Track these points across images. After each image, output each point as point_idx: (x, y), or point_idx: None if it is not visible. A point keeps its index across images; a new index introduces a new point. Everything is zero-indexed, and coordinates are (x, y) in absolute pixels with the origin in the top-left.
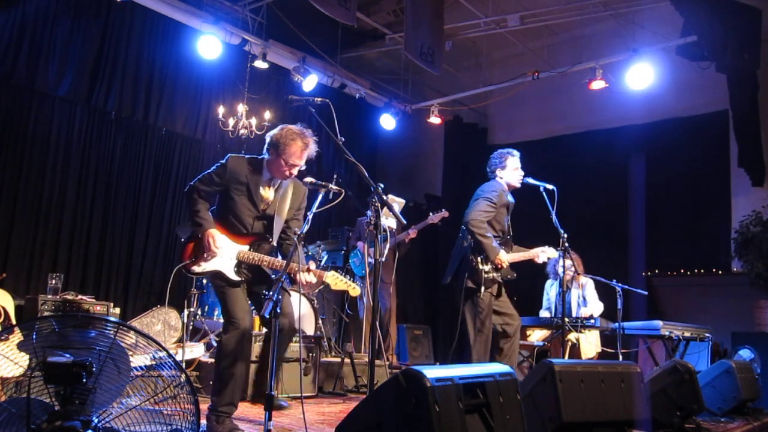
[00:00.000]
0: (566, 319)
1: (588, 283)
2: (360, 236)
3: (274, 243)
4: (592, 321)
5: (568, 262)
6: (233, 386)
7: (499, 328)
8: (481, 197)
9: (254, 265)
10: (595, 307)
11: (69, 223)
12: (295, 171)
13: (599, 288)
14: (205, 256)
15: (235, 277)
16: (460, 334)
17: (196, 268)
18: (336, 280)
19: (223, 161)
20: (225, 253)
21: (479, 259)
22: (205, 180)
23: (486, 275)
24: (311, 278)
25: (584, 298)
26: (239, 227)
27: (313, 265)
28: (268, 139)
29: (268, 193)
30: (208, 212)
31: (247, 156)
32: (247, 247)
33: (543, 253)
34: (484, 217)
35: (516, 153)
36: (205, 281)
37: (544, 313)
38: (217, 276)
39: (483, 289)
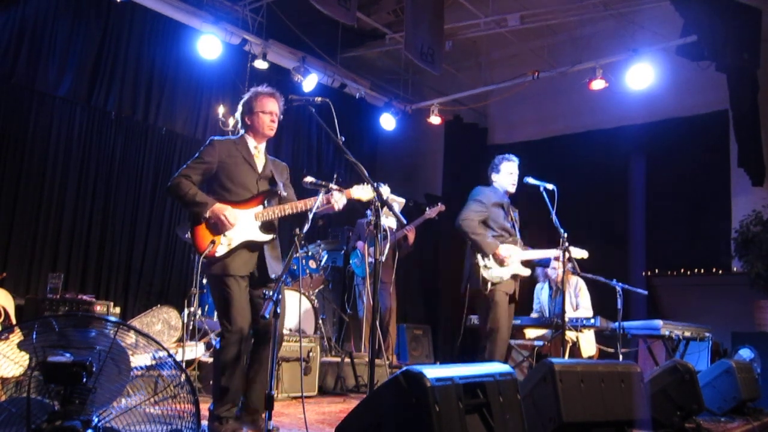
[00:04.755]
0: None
1: (580, 283)
2: (360, 237)
3: (284, 193)
4: (592, 321)
5: (569, 263)
6: (234, 392)
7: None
8: (469, 200)
9: (271, 224)
10: (584, 313)
11: (69, 223)
12: (276, 120)
13: (598, 288)
14: (223, 234)
15: (265, 237)
16: (470, 335)
17: (219, 250)
18: (362, 192)
19: (208, 144)
20: (242, 222)
21: (479, 256)
22: (193, 166)
23: (489, 271)
24: (342, 198)
25: (576, 299)
26: (244, 192)
27: (313, 265)
28: (239, 113)
29: (259, 158)
30: (204, 193)
31: (229, 137)
32: (261, 206)
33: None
34: (474, 216)
35: (514, 158)
36: (205, 281)
37: (534, 316)
38: (236, 258)
39: (489, 285)
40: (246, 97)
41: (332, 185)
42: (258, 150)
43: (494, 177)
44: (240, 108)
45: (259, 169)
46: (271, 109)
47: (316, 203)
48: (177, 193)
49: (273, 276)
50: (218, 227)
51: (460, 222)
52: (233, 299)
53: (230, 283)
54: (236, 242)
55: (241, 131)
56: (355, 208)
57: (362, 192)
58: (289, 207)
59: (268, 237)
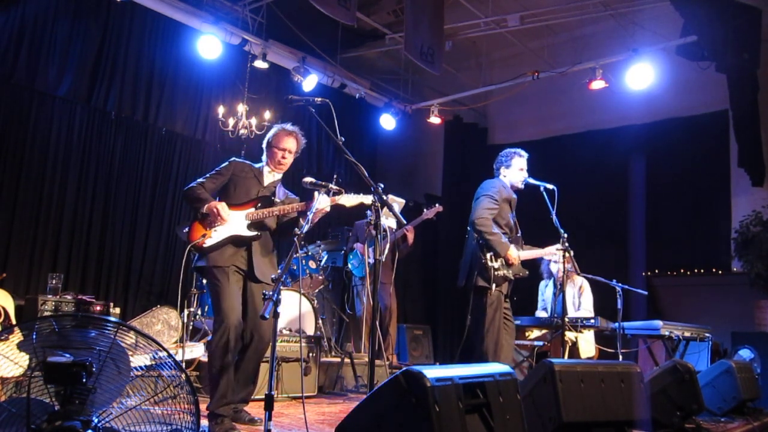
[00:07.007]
0: (566, 319)
1: (584, 284)
2: (358, 238)
3: (279, 200)
4: (592, 321)
5: (569, 263)
6: (226, 386)
7: None
8: (482, 195)
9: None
10: (585, 314)
11: (69, 223)
12: (289, 157)
13: (598, 288)
14: (214, 228)
15: (250, 233)
16: (469, 334)
17: (208, 242)
18: (349, 200)
19: (226, 163)
20: (234, 219)
21: (489, 256)
22: (209, 176)
23: (496, 272)
24: (325, 204)
25: (579, 299)
26: (243, 197)
27: (313, 265)
28: (264, 143)
29: (269, 179)
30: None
31: (247, 161)
32: (253, 208)
33: (554, 255)
34: (489, 214)
35: (524, 154)
36: (205, 281)
37: (540, 313)
38: (222, 254)
39: (494, 286)
40: (271, 130)
41: (332, 185)
42: (272, 175)
43: (504, 171)
44: (266, 138)
45: (265, 183)
46: (284, 146)
47: (314, 206)
48: (188, 196)
49: (264, 277)
50: (210, 220)
51: (476, 220)
52: (222, 290)
53: (218, 274)
54: (222, 236)
55: (263, 160)
56: (355, 207)
57: (349, 199)
58: (277, 209)
59: (253, 233)
